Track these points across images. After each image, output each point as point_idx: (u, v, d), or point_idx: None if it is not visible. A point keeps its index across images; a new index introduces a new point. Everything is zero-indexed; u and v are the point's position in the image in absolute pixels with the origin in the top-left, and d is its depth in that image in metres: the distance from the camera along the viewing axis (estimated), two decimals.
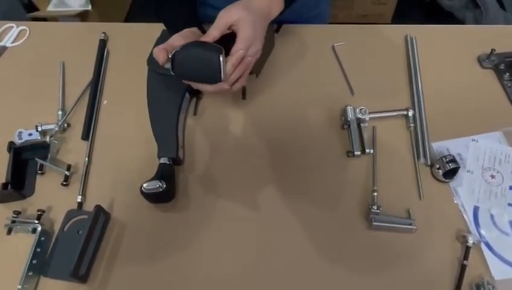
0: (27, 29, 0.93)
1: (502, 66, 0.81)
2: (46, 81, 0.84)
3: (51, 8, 1.57)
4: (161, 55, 0.62)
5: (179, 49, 0.61)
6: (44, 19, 1.59)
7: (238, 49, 0.61)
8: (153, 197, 0.66)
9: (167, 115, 0.72)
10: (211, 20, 0.96)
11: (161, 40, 0.82)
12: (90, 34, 0.91)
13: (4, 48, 0.90)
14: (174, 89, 0.75)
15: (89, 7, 1.58)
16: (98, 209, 0.64)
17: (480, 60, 0.83)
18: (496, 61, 0.82)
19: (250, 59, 0.63)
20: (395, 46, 0.86)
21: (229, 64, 0.61)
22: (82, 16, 1.59)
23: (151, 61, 0.77)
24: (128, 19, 2.02)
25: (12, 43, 0.91)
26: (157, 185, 0.63)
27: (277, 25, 0.89)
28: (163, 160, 0.68)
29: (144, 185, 0.64)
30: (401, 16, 1.92)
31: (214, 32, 0.62)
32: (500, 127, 0.74)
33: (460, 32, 0.90)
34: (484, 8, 1.61)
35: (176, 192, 0.69)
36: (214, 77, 0.61)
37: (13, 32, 0.92)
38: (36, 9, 1.61)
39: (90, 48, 0.88)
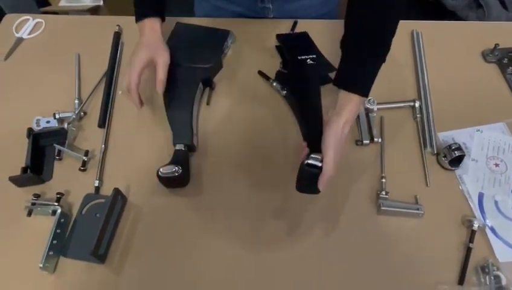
0: (43, 21, 0.95)
1: (505, 61, 0.84)
2: (62, 71, 0.86)
3: (63, 2, 1.59)
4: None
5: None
6: (55, 14, 1.61)
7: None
8: (169, 182, 0.68)
9: (182, 104, 0.75)
10: (220, 16, 0.98)
11: (175, 33, 0.85)
12: (104, 27, 0.93)
13: (21, 39, 0.92)
14: (189, 79, 0.77)
15: (101, 2, 1.60)
16: (117, 192, 0.66)
17: (484, 55, 0.85)
18: (499, 56, 0.84)
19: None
20: (402, 41, 0.89)
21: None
22: (93, 11, 1.61)
23: None
24: None
25: (28, 35, 0.93)
26: (173, 169, 0.66)
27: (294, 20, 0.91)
28: (179, 146, 0.70)
29: (161, 169, 0.66)
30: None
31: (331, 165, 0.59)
32: (504, 119, 0.76)
33: (465, 28, 0.93)
34: (487, 8, 1.64)
35: (189, 177, 0.71)
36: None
37: (29, 25, 0.95)
38: (48, 4, 1.64)
39: (104, 40, 0.90)
